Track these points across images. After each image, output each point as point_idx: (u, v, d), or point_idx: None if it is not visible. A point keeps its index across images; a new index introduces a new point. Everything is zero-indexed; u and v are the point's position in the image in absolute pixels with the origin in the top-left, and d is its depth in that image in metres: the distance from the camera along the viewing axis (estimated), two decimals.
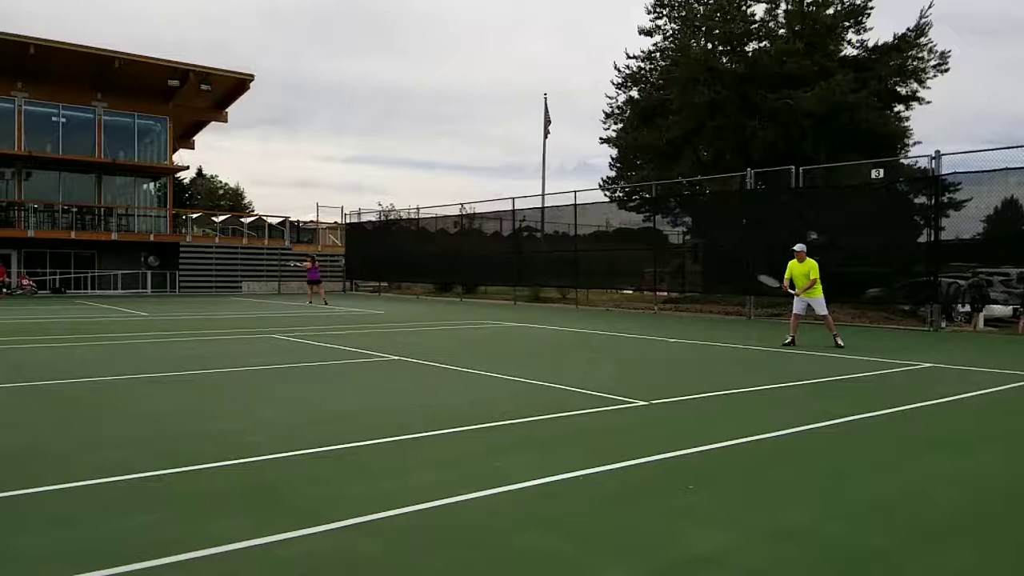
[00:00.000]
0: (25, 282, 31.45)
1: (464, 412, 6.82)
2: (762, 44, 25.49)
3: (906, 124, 25.40)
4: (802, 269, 12.82)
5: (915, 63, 24.45)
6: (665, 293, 23.83)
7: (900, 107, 25.40)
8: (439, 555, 3.43)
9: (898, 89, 24.93)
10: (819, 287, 12.81)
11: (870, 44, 25.26)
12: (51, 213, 33.76)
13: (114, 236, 33.92)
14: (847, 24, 25.20)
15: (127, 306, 23.53)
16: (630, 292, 26.13)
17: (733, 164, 23.30)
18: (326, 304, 25.09)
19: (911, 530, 3.87)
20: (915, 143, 25.62)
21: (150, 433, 5.89)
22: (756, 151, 23.50)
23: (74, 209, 34.28)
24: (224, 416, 6.68)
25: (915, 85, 24.81)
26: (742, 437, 5.78)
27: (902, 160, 22.98)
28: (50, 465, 4.90)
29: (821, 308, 12.79)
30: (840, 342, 12.46)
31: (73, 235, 32.97)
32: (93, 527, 3.75)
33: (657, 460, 5.11)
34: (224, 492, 4.34)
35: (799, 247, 13.03)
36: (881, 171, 18.66)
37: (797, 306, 13.02)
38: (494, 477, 4.63)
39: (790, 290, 13.07)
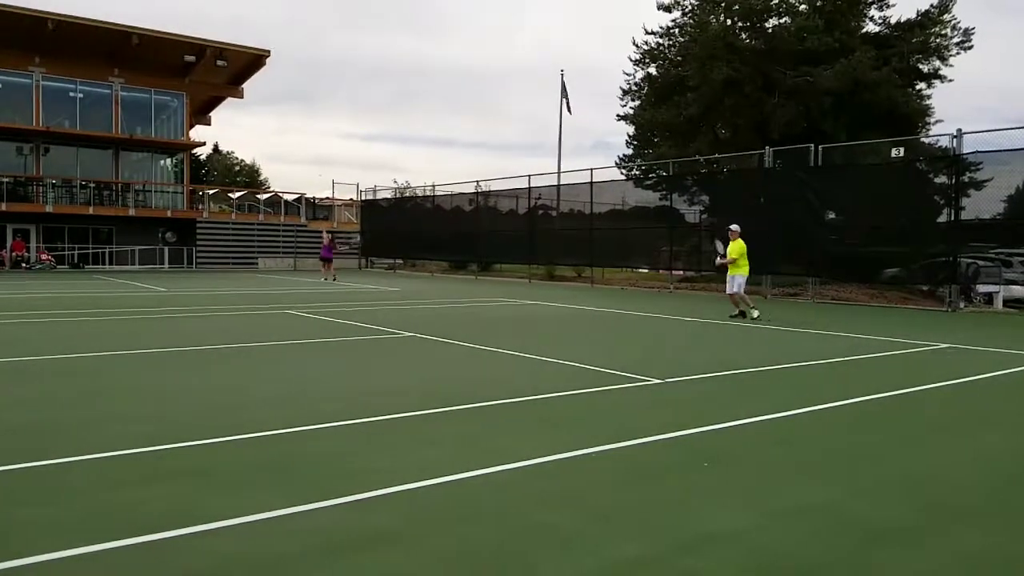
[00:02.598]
0: (44, 257, 31.77)
1: (478, 389, 6.84)
2: (782, 20, 25.09)
3: (928, 102, 25.01)
4: (732, 248, 13.95)
5: (938, 40, 24.02)
6: (681, 272, 23.70)
7: (922, 85, 25.00)
8: (455, 528, 3.46)
9: (920, 66, 24.52)
10: (741, 267, 13.82)
11: (892, 20, 24.86)
12: (69, 188, 33.98)
13: (131, 212, 34.15)
14: (869, 0, 24.76)
15: (145, 281, 23.73)
16: (645, 271, 26.04)
17: (751, 142, 23.05)
18: (334, 280, 25.28)
19: (933, 508, 3.86)
20: (936, 121, 25.24)
21: (169, 407, 5.95)
22: (775, 129, 23.24)
23: (92, 184, 34.48)
24: (242, 390, 6.74)
25: (938, 62, 24.40)
26: (759, 415, 5.76)
27: (923, 139, 22.66)
28: (70, 438, 4.96)
29: (732, 285, 13.89)
30: (751, 315, 13.44)
31: (91, 210, 33.21)
32: (109, 497, 3.80)
33: (672, 437, 5.11)
34: (243, 465, 4.40)
35: (733, 227, 14.12)
36: (901, 150, 18.40)
37: (728, 285, 14.09)
38: (508, 453, 4.65)
39: (722, 261, 14.18)
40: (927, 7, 24.08)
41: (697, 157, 23.62)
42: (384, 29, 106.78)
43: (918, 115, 24.50)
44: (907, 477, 4.38)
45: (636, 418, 5.81)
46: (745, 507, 3.79)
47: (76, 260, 33.00)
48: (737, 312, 13.89)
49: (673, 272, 23.38)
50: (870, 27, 25.15)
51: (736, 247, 13.85)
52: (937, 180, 17.90)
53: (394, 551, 3.21)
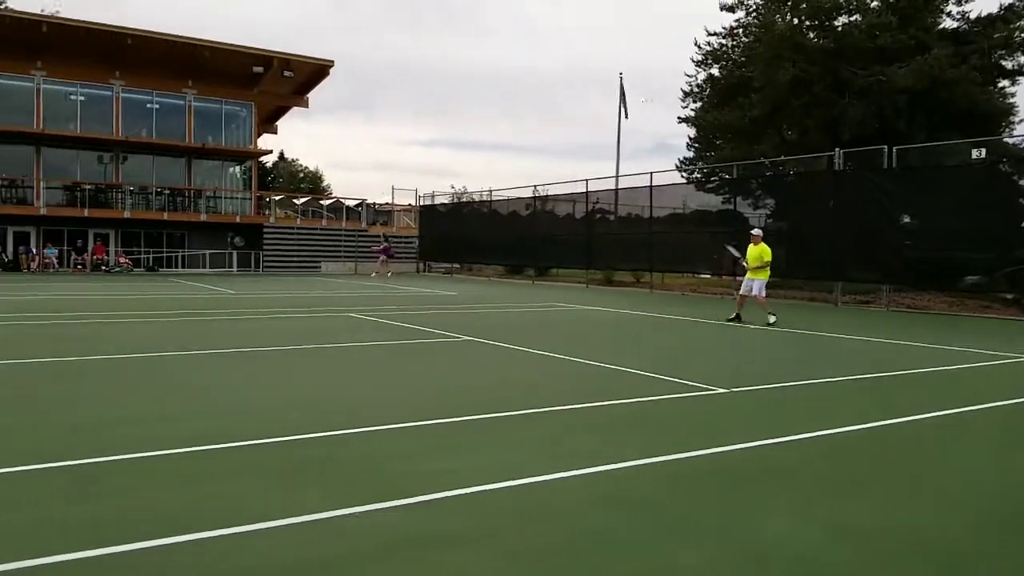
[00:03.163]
0: (122, 260, 33.01)
1: (539, 393, 6.74)
2: (852, 18, 24.33)
3: (1011, 101, 23.88)
4: (755, 252, 13.79)
5: (1022, 35, 22.89)
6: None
7: (1005, 82, 23.89)
8: (516, 532, 3.39)
9: (1003, 63, 23.43)
10: (767, 271, 13.83)
11: (972, 15, 23.81)
12: (145, 195, 35.27)
13: (203, 217, 35.24)
14: None
15: (215, 284, 24.39)
16: (707, 276, 25.50)
17: (820, 144, 22.37)
18: (388, 276, 25.64)
19: (1008, 530, 3.59)
20: (1021, 120, 24.07)
21: (239, 405, 6.03)
22: (845, 130, 22.51)
23: (166, 191, 35.72)
24: (310, 390, 6.78)
25: (1022, 58, 23.26)
26: (828, 428, 5.50)
27: (1006, 139, 21.62)
28: (141, 431, 5.04)
29: (756, 289, 13.71)
30: (772, 319, 13.32)
31: (165, 216, 34.42)
32: (176, 493, 3.82)
33: (738, 449, 4.91)
34: (303, 464, 4.39)
35: (755, 231, 14.14)
36: (983, 151, 17.57)
37: (743, 286, 13.97)
38: (570, 458, 4.53)
39: (743, 264, 14.11)
40: (1010, 0, 23.00)
41: (762, 160, 23.05)
42: (441, 35, 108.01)
43: (1001, 114, 23.42)
44: (980, 496, 4.08)
45: (703, 427, 5.63)
46: (812, 522, 3.62)
47: (151, 263, 34.18)
48: (734, 316, 13.79)
49: (736, 278, 22.79)
50: (947, 23, 24.18)
51: (756, 251, 13.69)
52: (1022, 182, 17.02)
53: (453, 553, 3.16)
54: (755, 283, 13.73)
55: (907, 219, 18.45)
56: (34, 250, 31.45)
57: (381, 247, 28.82)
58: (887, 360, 9.37)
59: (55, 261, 31.32)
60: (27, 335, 10.60)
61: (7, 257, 30.73)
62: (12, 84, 32.66)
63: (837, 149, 19.64)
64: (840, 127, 22.81)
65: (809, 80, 23.19)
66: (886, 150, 18.32)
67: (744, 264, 14.00)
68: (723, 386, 7.08)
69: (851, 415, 5.96)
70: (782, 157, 23.07)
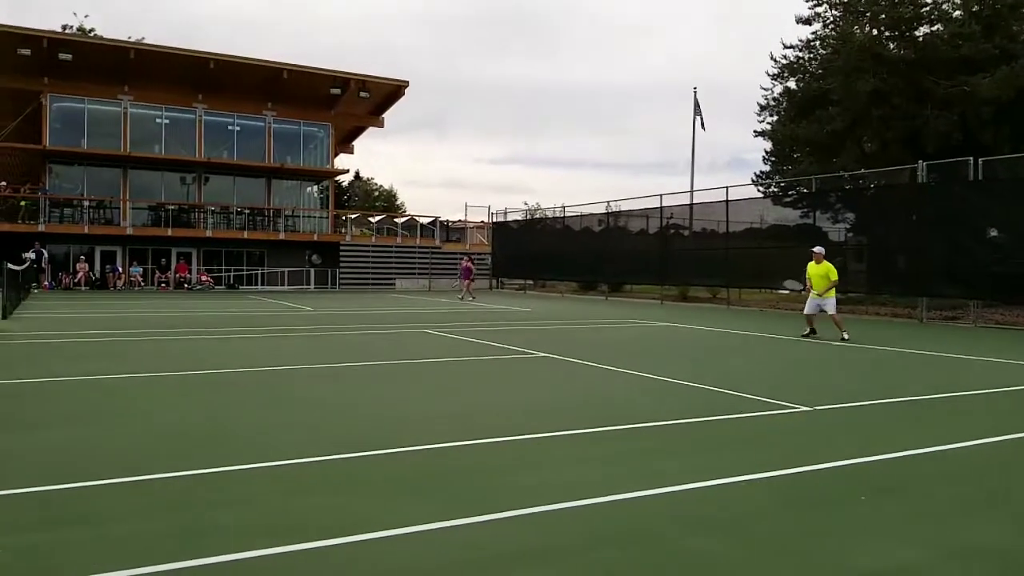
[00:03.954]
0: (204, 278, 34.36)
1: (618, 411, 6.78)
2: (934, 28, 23.63)
3: None
4: (819, 271, 13.48)
5: None
6: None
7: None
8: (603, 550, 3.43)
9: None
10: (833, 290, 13.59)
11: None
12: (226, 215, 36.63)
13: (282, 236, 36.41)
14: None
15: (294, 301, 25.20)
16: (786, 292, 24.95)
17: (901, 156, 21.73)
18: (472, 299, 25.93)
19: None
20: None
21: (328, 419, 6.29)
22: (928, 142, 21.82)
23: (246, 211, 37.04)
24: (395, 405, 7.00)
25: None
26: (919, 448, 5.39)
27: None
28: (246, 445, 5.32)
29: (831, 308, 13.51)
30: (846, 336, 13.03)
31: (245, 235, 35.67)
32: (278, 504, 4.04)
33: (824, 468, 4.86)
34: (389, 478, 4.55)
35: (818, 249, 13.79)
36: None
37: (809, 306, 13.73)
38: (655, 477, 4.57)
39: (801, 287, 14.29)
40: None
41: (841, 173, 22.51)
42: (511, 53, 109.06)
43: None
44: None
45: (785, 446, 5.58)
46: (912, 544, 3.56)
47: (232, 281, 35.45)
48: (808, 331, 13.77)
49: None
50: None
51: (820, 270, 13.41)
52: None
53: (543, 570, 3.22)
54: (827, 302, 13.44)
55: (994, 232, 17.75)
56: (120, 269, 33.01)
57: (464, 265, 29.05)
58: (978, 377, 9.05)
59: (140, 279, 32.79)
60: (127, 350, 11.20)
61: (95, 275, 32.35)
62: (101, 109, 34.45)
63: (921, 162, 19.06)
64: (923, 139, 22.12)
65: (889, 92, 22.59)
66: (971, 162, 17.69)
67: (809, 286, 13.71)
68: (804, 404, 6.98)
69: (946, 433, 5.80)
70: (862, 170, 22.47)
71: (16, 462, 4.79)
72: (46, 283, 30.59)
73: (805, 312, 13.94)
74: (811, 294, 13.63)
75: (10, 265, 16.43)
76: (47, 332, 13.23)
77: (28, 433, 5.66)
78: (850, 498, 4.28)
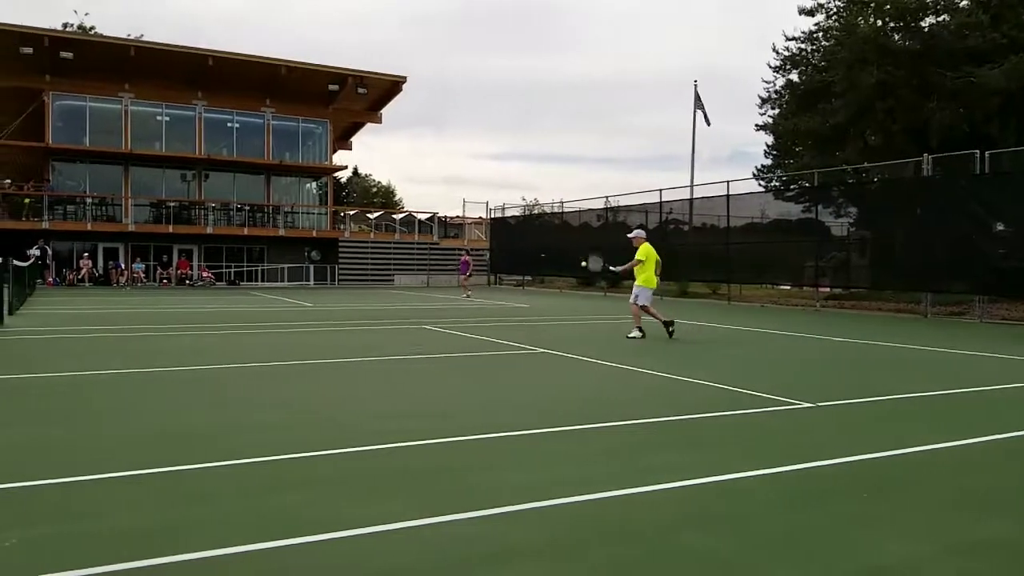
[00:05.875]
0: (205, 274, 34.24)
1: (616, 407, 6.58)
2: (940, 18, 23.32)
3: None
4: (640, 255, 12.55)
5: None
6: (828, 289, 22.30)
7: None
8: (598, 547, 3.26)
9: None
10: (651, 277, 12.48)
11: None
12: (226, 211, 36.54)
13: (281, 232, 36.27)
14: None
15: (293, 296, 25.01)
16: (788, 288, 24.72)
17: (905, 149, 21.47)
18: (467, 296, 25.81)
19: None
20: None
21: (314, 415, 6.08)
22: (933, 135, 21.54)
23: (246, 207, 36.94)
24: (390, 401, 6.81)
25: None
26: (922, 444, 5.18)
27: None
28: (224, 442, 5.11)
29: (643, 299, 12.43)
30: (637, 334, 12.01)
31: (246, 231, 35.57)
32: (263, 501, 3.84)
33: (826, 465, 4.67)
34: (379, 474, 4.37)
35: (632, 234, 13.05)
36: None
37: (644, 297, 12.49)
38: (652, 473, 4.37)
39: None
40: None
41: (844, 167, 22.25)
42: (509, 48, 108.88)
43: None
44: None
45: (789, 442, 5.39)
46: (916, 539, 3.39)
47: (232, 277, 35.33)
48: (634, 330, 12.17)
49: (819, 289, 22.03)
50: None
51: (640, 254, 12.43)
52: None
53: (534, 567, 3.06)
54: (642, 291, 12.34)
55: (1000, 227, 17.51)
56: (122, 265, 32.93)
57: (463, 260, 29.25)
58: (983, 373, 8.84)
59: (142, 276, 32.71)
60: (120, 347, 11.02)
61: (98, 272, 32.27)
62: (102, 106, 34.38)
63: (926, 155, 18.79)
64: (928, 132, 21.84)
65: (894, 84, 22.31)
66: (978, 155, 17.43)
67: (614, 271, 13.19)
68: (807, 400, 6.77)
69: (951, 430, 5.59)
70: (866, 164, 22.21)
71: None
72: (50, 279, 30.58)
73: (646, 304, 12.47)
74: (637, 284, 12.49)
75: (15, 262, 16.34)
76: (52, 328, 13.04)
77: None
78: (847, 495, 4.09)
